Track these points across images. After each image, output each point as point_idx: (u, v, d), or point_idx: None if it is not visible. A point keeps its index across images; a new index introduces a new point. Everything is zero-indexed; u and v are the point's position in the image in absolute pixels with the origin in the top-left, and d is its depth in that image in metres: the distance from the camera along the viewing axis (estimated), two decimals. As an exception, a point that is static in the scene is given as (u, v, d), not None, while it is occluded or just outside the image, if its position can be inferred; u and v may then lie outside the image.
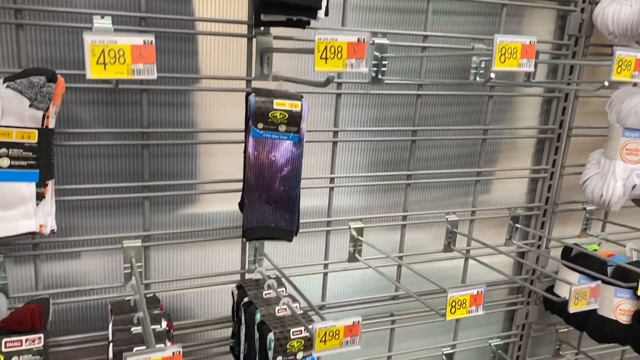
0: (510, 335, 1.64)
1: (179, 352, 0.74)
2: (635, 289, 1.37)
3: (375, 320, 1.45)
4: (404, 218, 1.40)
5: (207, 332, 1.28)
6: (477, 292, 1.05)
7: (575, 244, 1.58)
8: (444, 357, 1.55)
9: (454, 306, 1.05)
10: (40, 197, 0.90)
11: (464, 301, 1.05)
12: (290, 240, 1.07)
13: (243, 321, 1.10)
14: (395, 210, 1.40)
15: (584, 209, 1.60)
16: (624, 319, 1.41)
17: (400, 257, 1.42)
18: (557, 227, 1.60)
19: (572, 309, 1.13)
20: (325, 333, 0.81)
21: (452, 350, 1.56)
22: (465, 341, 1.58)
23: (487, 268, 1.34)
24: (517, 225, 1.51)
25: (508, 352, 1.66)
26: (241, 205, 1.08)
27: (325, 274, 1.35)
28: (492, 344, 1.61)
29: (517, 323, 1.63)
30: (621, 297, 1.41)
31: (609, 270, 1.44)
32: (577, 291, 1.13)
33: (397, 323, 1.48)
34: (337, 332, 0.81)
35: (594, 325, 1.46)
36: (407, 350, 1.51)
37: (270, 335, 0.98)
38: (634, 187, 1.34)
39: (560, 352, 1.72)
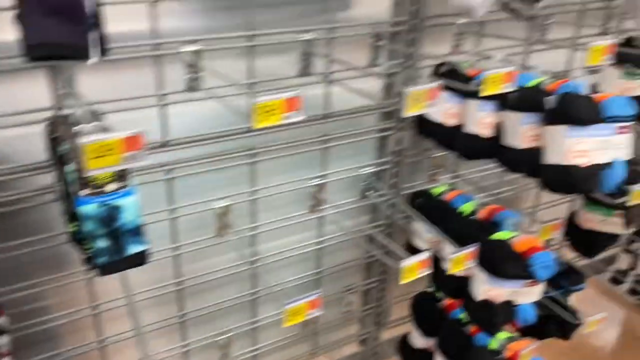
0: (383, 162, 1.59)
1: None
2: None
3: (234, 155, 1.34)
4: (251, 39, 1.24)
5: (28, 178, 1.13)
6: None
7: (448, 62, 1.49)
8: (313, 190, 1.49)
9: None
10: None
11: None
12: (86, 58, 0.90)
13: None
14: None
15: (454, 23, 1.49)
16: (487, 132, 1.37)
17: (251, 85, 1.28)
18: (429, 45, 1.49)
19: (406, 113, 1.04)
20: (99, 148, 0.68)
21: (321, 181, 1.49)
22: (334, 171, 1.52)
23: (354, 94, 1.23)
24: (380, 43, 1.38)
25: (383, 180, 1.62)
26: (20, 18, 0.88)
27: (163, 108, 1.20)
28: (363, 173, 1.56)
29: (389, 149, 1.57)
30: (485, 110, 1.36)
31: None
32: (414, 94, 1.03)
33: (259, 157, 1.38)
34: (112, 147, 0.68)
35: (461, 142, 1.42)
36: (273, 184, 1.44)
37: (68, 168, 0.85)
38: (497, -13, 1.23)
39: (436, 178, 1.70)
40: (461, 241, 1.50)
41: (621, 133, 1.15)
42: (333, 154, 1.52)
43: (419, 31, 1.43)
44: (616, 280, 2.36)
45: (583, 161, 1.15)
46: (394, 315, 1.92)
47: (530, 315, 1.47)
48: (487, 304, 1.44)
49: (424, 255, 1.32)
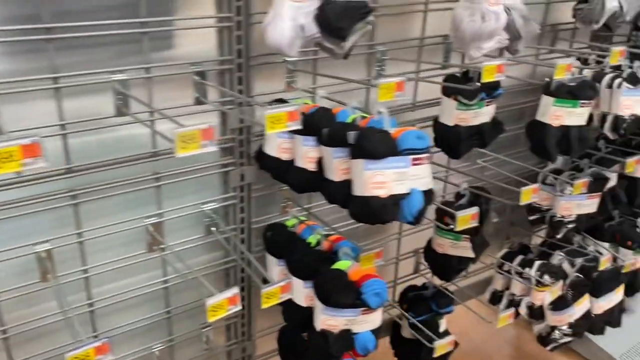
0: (228, 198, 1.61)
1: None
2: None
3: (51, 198, 1.32)
4: (56, 81, 1.23)
5: None
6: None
7: (281, 99, 1.53)
8: (150, 228, 1.49)
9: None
10: None
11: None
12: None
13: None
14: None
15: (285, 60, 1.53)
16: (312, 166, 1.40)
17: (63, 127, 1.28)
18: (261, 83, 1.53)
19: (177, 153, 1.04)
20: None
21: (158, 220, 1.49)
22: (173, 209, 1.52)
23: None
24: (204, 81, 1.41)
25: (229, 216, 1.63)
26: None
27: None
28: (206, 209, 1.57)
29: (232, 185, 1.58)
30: (307, 145, 1.39)
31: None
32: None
33: (82, 197, 1.37)
34: None
35: (291, 176, 1.46)
36: (104, 224, 1.42)
37: None
38: (302, 27, 1.28)
39: (287, 210, 1.73)
40: (304, 272, 1.53)
41: (416, 164, 1.21)
42: (175, 190, 1.53)
43: (246, 69, 1.46)
44: (494, 300, 2.44)
45: (382, 192, 1.20)
46: (262, 349, 1.92)
47: (370, 343, 1.50)
48: (324, 333, 1.46)
49: (281, 283, 1.31)
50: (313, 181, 1.40)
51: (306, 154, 1.39)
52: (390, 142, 1.19)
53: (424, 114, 1.91)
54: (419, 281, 2.13)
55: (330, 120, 1.36)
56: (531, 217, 2.27)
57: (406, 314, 2.01)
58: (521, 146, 2.18)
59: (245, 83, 1.47)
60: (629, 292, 2.53)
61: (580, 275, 2.22)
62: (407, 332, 2.08)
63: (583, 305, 2.26)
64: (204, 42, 1.43)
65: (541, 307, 2.28)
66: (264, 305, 1.22)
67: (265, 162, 1.51)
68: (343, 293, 1.42)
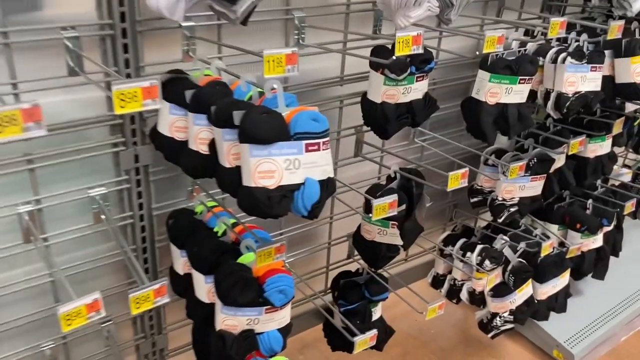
0: (122, 182, 1.43)
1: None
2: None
3: None
4: None
5: None
6: None
7: (178, 70, 1.35)
8: (26, 218, 1.31)
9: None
10: None
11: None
12: None
13: None
14: None
15: (180, 26, 1.34)
16: (205, 148, 1.23)
17: None
18: (154, 51, 1.34)
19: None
20: None
21: (33, 208, 1.31)
22: (52, 195, 1.34)
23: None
24: (77, 50, 1.21)
25: (124, 202, 1.46)
26: None
27: None
28: (93, 195, 1.39)
29: (125, 167, 1.41)
30: (199, 124, 1.22)
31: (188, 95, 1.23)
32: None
33: None
34: None
35: (183, 159, 1.28)
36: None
37: None
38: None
39: (195, 195, 1.56)
40: (203, 265, 1.37)
41: (312, 151, 1.05)
42: (61, 174, 1.35)
43: (132, 35, 1.27)
44: (435, 284, 2.33)
45: (270, 182, 1.03)
46: (176, 342, 1.77)
47: (276, 344, 1.36)
48: (221, 335, 1.31)
49: (154, 286, 1.16)
50: (206, 166, 1.23)
51: (198, 134, 1.22)
52: (279, 124, 1.02)
53: (354, 88, 1.74)
54: (353, 266, 1.99)
55: (224, 97, 1.18)
56: (473, 200, 2.14)
57: (333, 305, 1.88)
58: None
59: (133, 52, 1.28)
60: (576, 276, 2.45)
61: (523, 261, 2.11)
62: (338, 321, 1.95)
63: (525, 291, 2.16)
64: (80, 3, 1.23)
65: (482, 293, 2.17)
66: (134, 312, 1.06)
67: (158, 141, 1.33)
68: (242, 290, 1.27)
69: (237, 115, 1.04)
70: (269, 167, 1.03)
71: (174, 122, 1.29)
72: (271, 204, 1.03)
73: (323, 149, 1.06)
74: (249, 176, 1.04)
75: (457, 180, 1.47)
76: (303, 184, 1.05)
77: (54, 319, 1.49)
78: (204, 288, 1.39)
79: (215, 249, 1.37)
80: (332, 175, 1.09)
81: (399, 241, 1.67)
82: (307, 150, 1.04)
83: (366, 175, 1.97)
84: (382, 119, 1.59)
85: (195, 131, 1.22)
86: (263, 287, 1.29)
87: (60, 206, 1.36)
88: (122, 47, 1.26)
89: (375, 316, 1.96)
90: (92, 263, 1.46)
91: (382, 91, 1.55)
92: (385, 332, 2.01)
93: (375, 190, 1.68)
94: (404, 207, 1.65)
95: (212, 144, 1.19)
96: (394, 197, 1.43)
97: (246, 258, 1.34)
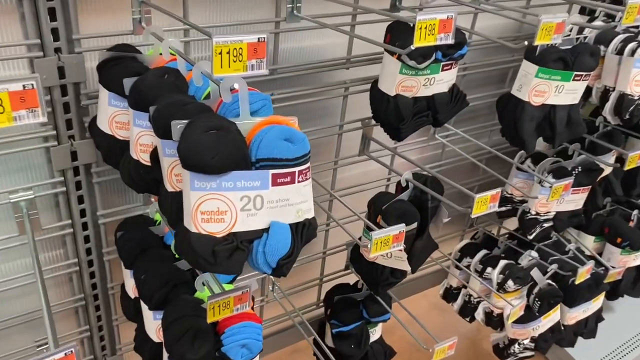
0: (56, 184, 1.13)
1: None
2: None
3: None
4: None
5: None
6: None
7: (126, 45, 1.02)
8: None
9: None
10: None
11: None
12: None
13: None
14: None
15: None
16: (146, 158, 0.92)
17: None
18: (95, 20, 1.02)
19: None
20: None
21: None
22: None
23: None
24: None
25: (60, 208, 1.16)
26: None
27: None
28: (15, 200, 1.09)
29: (58, 167, 1.10)
30: (140, 126, 0.90)
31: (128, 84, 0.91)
32: None
33: None
34: None
35: (122, 167, 0.97)
36: None
37: None
38: None
39: (152, 199, 1.25)
40: (150, 298, 1.08)
41: (282, 184, 0.73)
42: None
43: (60, -3, 0.94)
44: (447, 297, 2.03)
45: (217, 228, 0.72)
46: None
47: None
48: (168, 395, 1.03)
49: None
50: (148, 181, 0.92)
51: (138, 138, 0.91)
52: (233, 147, 0.70)
53: (363, 72, 1.40)
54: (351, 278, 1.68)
55: (173, 92, 0.86)
56: (500, 209, 1.81)
57: (325, 326, 1.60)
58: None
59: (62, 18, 0.95)
60: (610, 297, 2.12)
61: (553, 284, 1.79)
62: (330, 341, 1.67)
63: (552, 317, 1.85)
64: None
65: (501, 315, 1.86)
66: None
67: (96, 138, 1.02)
68: (192, 343, 0.98)
69: (176, 128, 0.72)
70: (217, 206, 0.71)
71: (114, 116, 0.98)
72: (216, 259, 0.71)
73: (300, 181, 0.74)
74: (189, 217, 0.72)
75: (484, 204, 1.14)
76: (266, 230, 0.74)
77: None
78: (152, 324, 1.10)
79: (167, 279, 1.07)
80: (310, 216, 0.78)
81: (405, 266, 1.36)
82: (274, 184, 0.72)
83: (373, 174, 1.65)
84: (395, 117, 1.25)
85: (135, 134, 0.90)
86: (221, 338, 1.00)
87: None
88: (46, 12, 0.93)
89: (374, 337, 1.67)
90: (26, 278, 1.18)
91: (398, 81, 1.21)
92: (385, 354, 1.73)
93: (381, 202, 1.36)
94: (414, 225, 1.33)
95: (154, 154, 0.87)
96: (399, 228, 1.11)
97: (204, 295, 1.04)
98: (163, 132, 0.77)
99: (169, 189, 0.82)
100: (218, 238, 0.72)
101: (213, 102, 0.83)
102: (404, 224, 1.13)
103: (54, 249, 1.20)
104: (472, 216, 1.16)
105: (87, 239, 1.21)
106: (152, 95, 0.85)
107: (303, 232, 0.76)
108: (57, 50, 0.98)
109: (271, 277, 1.52)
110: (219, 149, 0.68)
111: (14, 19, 0.95)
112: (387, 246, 1.07)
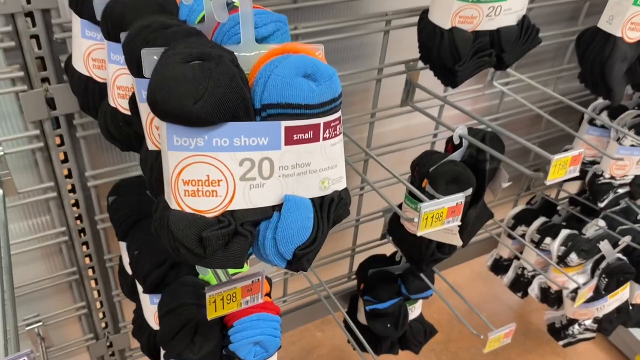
0: (31, 138, 0.92)
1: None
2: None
3: None
4: None
5: None
6: None
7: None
8: None
9: None
10: None
11: None
12: None
13: None
14: None
15: None
16: (125, 104, 0.69)
17: None
18: None
19: None
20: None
21: None
22: None
23: None
24: None
25: (40, 167, 0.96)
26: None
27: None
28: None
29: (30, 118, 0.89)
30: (116, 62, 0.68)
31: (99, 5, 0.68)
32: None
33: None
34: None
35: (99, 115, 0.76)
36: None
37: None
38: None
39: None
40: (148, 281, 0.88)
41: (299, 142, 0.50)
42: None
43: None
44: (496, 269, 1.80)
45: (208, 205, 0.50)
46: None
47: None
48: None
49: None
50: (128, 135, 0.70)
51: (115, 78, 0.68)
52: (227, 85, 0.47)
53: (411, 1, 1.13)
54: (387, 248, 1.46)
55: (155, 13, 0.63)
56: (564, 171, 1.54)
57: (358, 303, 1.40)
58: (569, 61, 1.42)
59: None
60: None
61: (624, 258, 1.54)
62: (362, 318, 1.47)
63: (619, 296, 1.60)
64: None
65: (559, 291, 1.63)
66: None
67: (72, 80, 0.81)
68: (192, 340, 0.78)
69: (149, 59, 0.49)
70: (207, 173, 0.49)
71: (90, 52, 0.76)
72: (206, 249, 0.49)
73: (326, 138, 0.51)
74: (169, 189, 0.50)
75: (563, 168, 0.89)
76: (278, 207, 0.51)
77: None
78: (150, 309, 0.91)
79: (165, 256, 0.86)
80: (341, 188, 0.55)
81: (457, 241, 1.13)
82: (289, 142, 0.49)
83: (418, 129, 1.40)
84: (450, 56, 0.99)
85: (111, 72, 0.68)
86: (228, 333, 0.80)
87: None
88: None
89: (413, 315, 1.46)
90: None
91: (454, 10, 0.95)
92: (425, 333, 1.53)
93: (427, 162, 1.12)
94: (469, 192, 1.09)
95: (134, 99, 0.65)
96: (456, 199, 0.87)
97: (209, 278, 0.84)
98: (137, 66, 0.54)
99: (150, 146, 0.60)
100: (208, 219, 0.50)
101: (208, 27, 0.59)
102: (462, 193, 0.89)
103: (38, 215, 1.01)
104: (547, 183, 0.92)
105: (77, 205, 1.01)
106: (129, 18, 0.62)
107: (330, 210, 0.54)
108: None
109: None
110: (205, 89, 0.45)
111: None
112: (439, 221, 0.84)
